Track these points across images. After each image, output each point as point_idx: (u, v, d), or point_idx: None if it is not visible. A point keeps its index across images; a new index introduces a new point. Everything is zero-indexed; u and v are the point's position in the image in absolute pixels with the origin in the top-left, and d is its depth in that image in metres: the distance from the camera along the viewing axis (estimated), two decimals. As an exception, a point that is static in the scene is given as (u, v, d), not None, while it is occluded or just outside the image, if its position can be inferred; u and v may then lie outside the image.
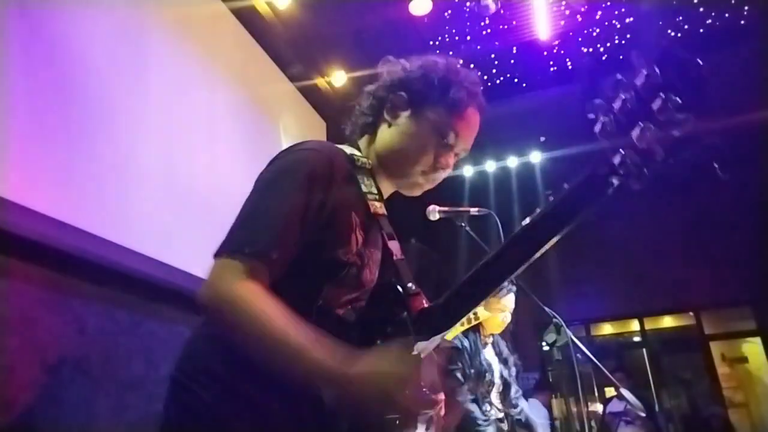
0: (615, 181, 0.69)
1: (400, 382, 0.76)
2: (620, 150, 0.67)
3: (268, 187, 0.91)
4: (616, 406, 4.74)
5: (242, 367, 0.82)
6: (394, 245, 1.02)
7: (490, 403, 2.58)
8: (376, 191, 1.04)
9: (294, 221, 0.87)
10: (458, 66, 1.07)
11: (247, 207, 0.90)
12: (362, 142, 1.11)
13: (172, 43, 2.85)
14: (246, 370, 0.82)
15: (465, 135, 1.06)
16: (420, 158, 1.03)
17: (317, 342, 0.77)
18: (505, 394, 2.66)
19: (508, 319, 2.69)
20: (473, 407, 2.52)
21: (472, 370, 2.57)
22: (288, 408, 0.84)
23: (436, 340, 0.88)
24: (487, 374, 2.60)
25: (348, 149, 1.06)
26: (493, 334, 2.74)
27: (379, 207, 1.02)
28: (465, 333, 2.67)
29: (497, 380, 2.66)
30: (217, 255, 0.84)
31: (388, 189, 1.11)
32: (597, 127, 0.69)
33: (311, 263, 0.90)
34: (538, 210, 0.78)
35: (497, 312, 2.60)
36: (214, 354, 0.86)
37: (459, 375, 2.55)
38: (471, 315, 2.09)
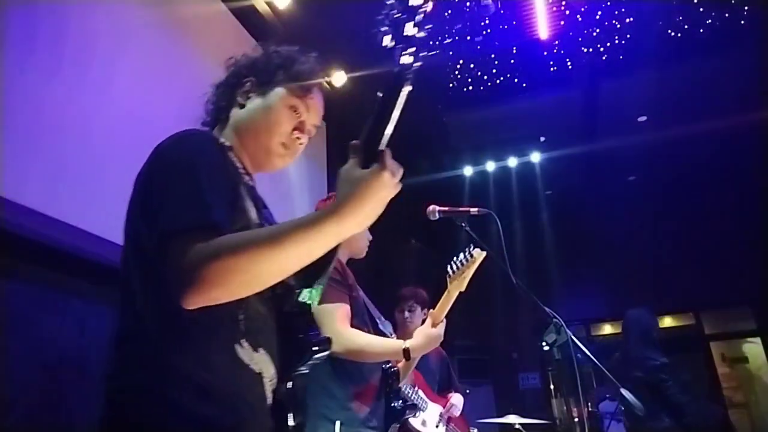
0: (409, 75, 0.78)
1: (376, 181, 0.79)
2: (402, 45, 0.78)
3: (191, 166, 0.92)
4: (607, 406, 4.76)
5: (178, 379, 0.84)
6: (268, 213, 1.13)
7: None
8: (242, 167, 1.11)
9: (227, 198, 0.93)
10: (298, 52, 1.23)
11: (180, 186, 0.90)
12: (216, 130, 1.18)
13: (172, 43, 2.85)
14: (182, 382, 0.84)
15: (314, 109, 1.20)
16: (276, 128, 1.13)
17: (295, 219, 0.82)
18: None
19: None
20: None
21: None
22: (229, 414, 0.86)
23: None
24: None
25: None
26: None
27: (250, 180, 1.11)
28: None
29: None
30: (173, 235, 0.83)
31: (250, 167, 1.17)
32: (386, 40, 0.79)
33: None
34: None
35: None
36: (146, 369, 0.87)
37: None
38: (469, 255, 1.83)
